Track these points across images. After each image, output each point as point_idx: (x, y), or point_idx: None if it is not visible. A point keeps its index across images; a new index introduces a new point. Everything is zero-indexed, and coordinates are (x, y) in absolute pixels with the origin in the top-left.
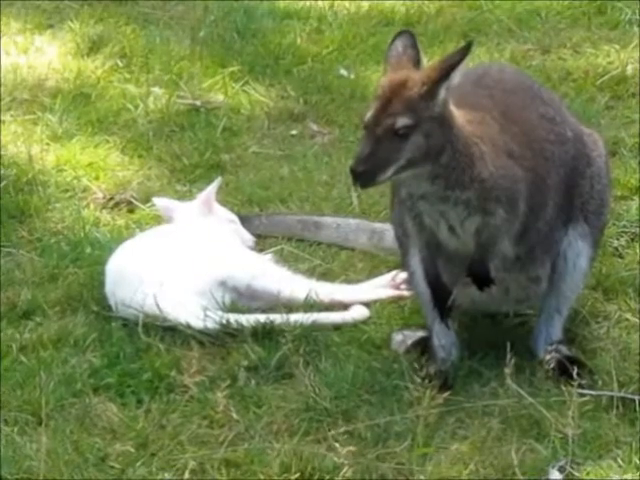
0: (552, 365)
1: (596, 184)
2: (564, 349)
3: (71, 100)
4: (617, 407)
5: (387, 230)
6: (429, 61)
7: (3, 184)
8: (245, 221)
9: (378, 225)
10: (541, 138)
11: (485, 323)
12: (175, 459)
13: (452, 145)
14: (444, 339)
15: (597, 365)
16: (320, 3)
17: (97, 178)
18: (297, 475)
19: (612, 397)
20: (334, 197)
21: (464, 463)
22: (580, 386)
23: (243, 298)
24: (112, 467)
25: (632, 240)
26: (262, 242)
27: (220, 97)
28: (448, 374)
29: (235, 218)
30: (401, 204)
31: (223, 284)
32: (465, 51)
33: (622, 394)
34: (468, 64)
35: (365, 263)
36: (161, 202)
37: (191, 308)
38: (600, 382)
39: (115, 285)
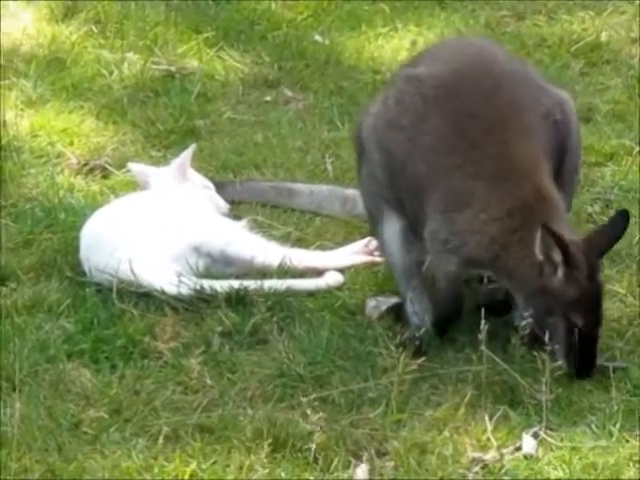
0: (526, 331)
1: None
2: None
3: (46, 66)
4: None
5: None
6: (403, 28)
7: None
8: (220, 187)
9: (351, 192)
10: None
11: None
12: (149, 425)
13: None
14: (418, 305)
15: None
16: None
17: (71, 144)
18: (270, 441)
19: None
20: (308, 163)
21: (438, 429)
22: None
23: (217, 264)
24: (86, 433)
25: (606, 206)
26: (236, 208)
27: (195, 63)
28: (422, 340)
29: (210, 184)
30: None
31: (197, 250)
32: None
33: None
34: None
35: (339, 229)
36: (136, 167)
37: (165, 274)
38: None
39: (89, 251)
